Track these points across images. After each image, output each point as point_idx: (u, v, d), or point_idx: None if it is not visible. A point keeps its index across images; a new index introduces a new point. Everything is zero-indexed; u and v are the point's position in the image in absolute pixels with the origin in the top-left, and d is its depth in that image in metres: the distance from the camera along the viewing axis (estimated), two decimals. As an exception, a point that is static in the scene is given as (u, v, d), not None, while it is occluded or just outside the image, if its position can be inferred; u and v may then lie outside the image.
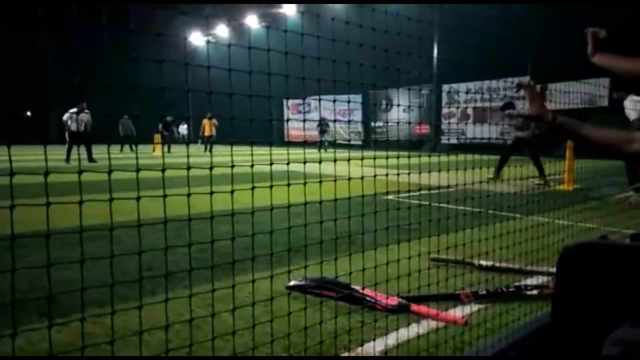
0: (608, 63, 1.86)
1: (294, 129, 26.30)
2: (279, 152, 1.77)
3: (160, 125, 21.60)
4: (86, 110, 13.93)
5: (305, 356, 1.97)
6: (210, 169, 1.44)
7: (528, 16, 16.14)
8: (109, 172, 1.17)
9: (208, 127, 20.51)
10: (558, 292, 1.48)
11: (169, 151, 21.22)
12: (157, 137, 20.49)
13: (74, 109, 13.78)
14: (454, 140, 22.68)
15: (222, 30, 32.14)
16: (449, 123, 22.63)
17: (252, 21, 27.83)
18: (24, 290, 2.74)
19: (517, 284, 2.95)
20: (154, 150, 20.21)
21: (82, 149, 14.22)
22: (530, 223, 3.12)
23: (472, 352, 1.99)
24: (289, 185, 1.59)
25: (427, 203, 2.53)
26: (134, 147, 20.20)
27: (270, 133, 24.02)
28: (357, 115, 23.98)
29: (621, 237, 3.85)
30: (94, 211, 1.25)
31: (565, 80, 8.73)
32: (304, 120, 1.77)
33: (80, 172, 1.13)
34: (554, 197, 6.43)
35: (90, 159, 13.73)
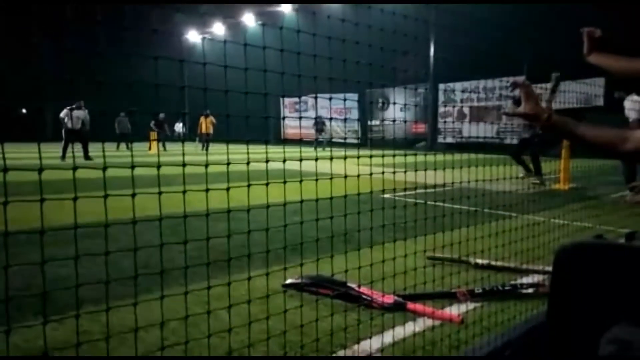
0: (604, 62, 1.87)
1: (291, 127, 26.29)
2: (276, 151, 1.77)
3: (152, 122, 21.45)
4: (83, 108, 13.86)
5: (301, 356, 1.97)
6: (206, 166, 1.43)
7: (524, 16, 16.18)
8: (104, 169, 1.17)
9: (205, 124, 20.43)
10: (554, 291, 1.49)
11: (164, 149, 21.15)
12: (153, 135, 20.41)
13: (71, 106, 13.71)
14: (450, 139, 22.73)
15: (218, 29, 32.05)
16: (445, 122, 22.69)
17: (248, 19, 27.78)
18: (19, 288, 2.73)
19: (512, 282, 2.96)
20: (149, 149, 20.13)
21: (79, 146, 14.15)
22: (526, 222, 3.13)
23: (468, 350, 2.00)
24: (284, 182, 1.59)
25: (423, 201, 2.53)
26: (129, 144, 20.12)
27: (267, 132, 24.00)
28: (354, 114, 23.99)
29: (616, 236, 3.87)
30: (90, 209, 1.24)
31: (560, 80, 8.75)
32: (300, 117, 1.77)
33: (74, 168, 1.12)
34: (549, 196, 6.45)
35: (87, 156, 13.67)
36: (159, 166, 1.28)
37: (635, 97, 6.88)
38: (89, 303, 2.42)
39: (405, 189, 2.91)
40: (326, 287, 2.59)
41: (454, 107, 22.07)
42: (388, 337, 2.13)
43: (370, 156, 1.95)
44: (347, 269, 1.85)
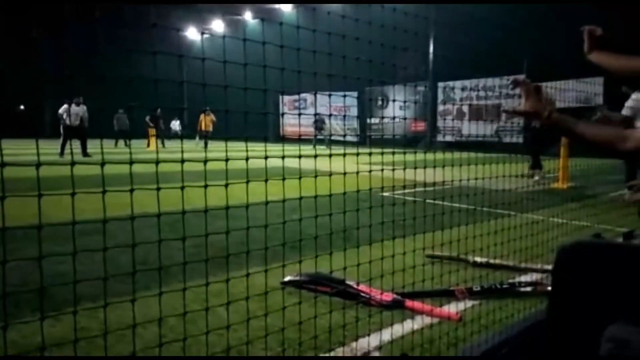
0: (604, 61, 1.86)
1: (290, 125, 26.30)
2: (275, 148, 1.76)
3: (147, 117, 21.34)
4: (82, 104, 13.81)
5: (299, 356, 1.97)
6: (205, 162, 1.43)
7: (524, 14, 16.17)
8: (102, 165, 1.16)
9: (205, 122, 20.37)
10: (554, 289, 1.49)
11: (163, 146, 21.12)
12: (152, 132, 20.36)
13: (70, 102, 13.66)
14: (449, 138, 22.73)
15: (218, 25, 31.98)
16: (444, 120, 22.68)
17: (248, 17, 27.73)
18: (17, 284, 2.73)
19: (511, 280, 2.97)
20: (148, 145, 20.09)
21: (77, 143, 14.12)
22: (525, 220, 3.13)
23: (466, 348, 2.00)
24: (283, 179, 1.58)
25: (422, 199, 2.53)
26: (128, 141, 20.08)
27: (266, 130, 23.95)
28: (353, 112, 23.97)
29: (615, 235, 3.87)
30: (88, 205, 1.23)
31: (560, 78, 8.76)
32: (299, 114, 1.76)
33: (72, 163, 1.12)
34: (548, 194, 6.45)
35: (85, 153, 13.64)
36: (157, 162, 1.28)
37: (638, 95, 6.84)
38: (86, 299, 2.41)
39: (404, 187, 2.90)
40: (325, 284, 2.59)
41: (453, 105, 22.06)
42: (386, 335, 2.13)
43: (370, 154, 1.95)
44: (346, 266, 1.84)
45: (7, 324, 1.05)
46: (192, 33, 33.12)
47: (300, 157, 1.64)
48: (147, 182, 1.20)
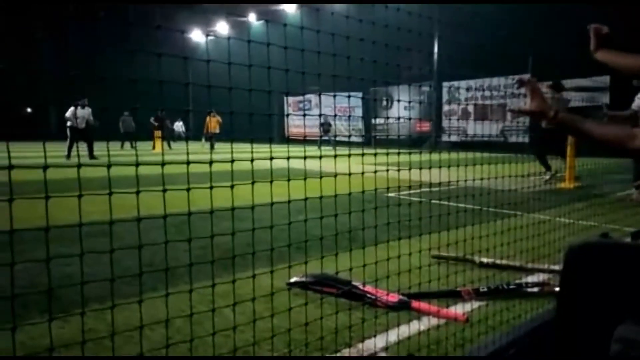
0: (610, 59, 1.85)
1: (295, 126, 26.33)
2: (280, 149, 1.76)
3: (152, 118, 21.43)
4: (87, 106, 13.85)
5: (304, 356, 1.97)
6: (210, 164, 1.43)
7: (528, 13, 16.10)
8: (108, 166, 1.17)
9: (211, 123, 20.40)
10: (562, 290, 1.48)
11: (169, 147, 21.20)
12: (157, 133, 20.44)
13: (76, 104, 13.70)
14: (454, 138, 22.65)
15: (222, 28, 32.09)
16: (449, 120, 22.61)
17: (252, 18, 27.81)
18: (25, 286, 2.74)
19: (518, 281, 2.95)
20: (153, 147, 20.17)
21: (84, 146, 14.18)
22: (531, 220, 3.11)
23: (472, 349, 1.99)
24: (289, 180, 1.58)
25: (428, 200, 2.52)
26: (133, 143, 20.17)
27: (271, 131, 24.00)
28: (358, 113, 23.94)
29: (622, 234, 3.85)
30: (95, 208, 1.24)
31: (566, 77, 8.72)
32: (304, 115, 1.77)
33: (79, 165, 1.13)
34: (555, 194, 6.42)
35: (91, 155, 13.70)
36: (163, 164, 1.28)
37: None
38: (94, 301, 2.43)
39: (409, 188, 2.90)
40: (331, 285, 2.59)
41: (458, 105, 21.99)
42: (393, 336, 2.13)
43: (375, 154, 1.94)
44: (352, 267, 1.84)
45: (16, 326, 1.06)
46: (196, 35, 33.25)
47: (305, 157, 1.64)
48: (153, 184, 1.21)
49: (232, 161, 1.44)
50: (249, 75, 1.52)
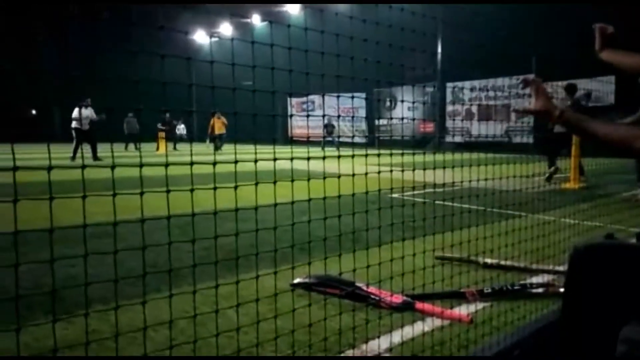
0: (616, 59, 1.84)
1: (298, 127, 26.34)
2: (283, 150, 1.76)
3: (159, 124, 21.57)
4: (89, 107, 13.83)
5: (308, 356, 1.97)
6: (214, 165, 1.43)
7: (529, 13, 16.05)
8: (112, 167, 1.17)
9: (217, 125, 20.40)
10: (567, 291, 1.47)
11: (174, 149, 21.26)
12: (162, 134, 20.50)
13: (80, 105, 13.71)
14: (458, 139, 22.60)
15: (226, 29, 32.16)
16: (453, 121, 22.56)
17: (256, 20, 27.87)
18: (29, 288, 2.75)
19: (522, 282, 2.94)
20: (157, 149, 20.22)
21: (88, 147, 14.19)
22: (536, 221, 3.10)
23: (477, 350, 1.98)
24: (292, 181, 1.58)
25: (432, 201, 2.51)
26: (138, 145, 20.22)
27: (275, 132, 24.02)
28: (361, 113, 23.93)
29: (627, 235, 3.82)
30: (100, 209, 1.24)
31: (570, 77, 8.69)
32: (307, 116, 1.77)
33: (83, 166, 1.13)
34: (559, 195, 6.39)
35: (95, 157, 13.74)
36: (166, 165, 1.28)
37: None
38: (98, 302, 2.43)
39: (413, 188, 2.89)
40: (334, 286, 2.59)
41: (462, 105, 21.94)
42: (397, 337, 2.12)
43: (378, 155, 1.94)
44: (355, 268, 1.84)
45: (20, 327, 1.06)
46: (200, 36, 33.33)
47: (308, 158, 1.64)
48: (157, 185, 1.21)
49: (236, 162, 1.44)
50: (252, 76, 1.52)
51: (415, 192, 5.91)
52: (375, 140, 19.99)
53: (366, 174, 1.85)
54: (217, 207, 1.40)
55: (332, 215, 1.73)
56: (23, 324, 2.05)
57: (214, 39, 26.81)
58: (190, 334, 1.99)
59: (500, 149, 8.38)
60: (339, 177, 1.74)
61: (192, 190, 1.32)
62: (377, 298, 2.48)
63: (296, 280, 2.67)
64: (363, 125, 26.08)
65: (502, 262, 3.10)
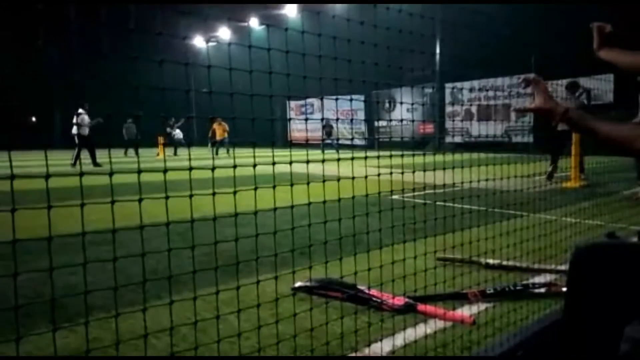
0: (614, 58, 1.83)
1: (298, 130, 26.35)
2: (283, 154, 1.75)
3: (168, 129, 21.71)
4: (84, 111, 13.76)
5: (311, 356, 1.96)
6: (212, 170, 1.43)
7: (530, 12, 16.07)
8: (110, 174, 1.17)
9: (219, 130, 20.39)
10: (570, 291, 1.46)
11: (175, 154, 21.28)
12: (161, 140, 20.51)
13: (78, 112, 13.69)
14: (458, 139, 22.61)
15: (224, 33, 32.21)
16: (453, 121, 22.57)
17: (253, 23, 27.91)
18: (30, 296, 2.74)
19: (524, 282, 2.93)
20: (158, 154, 20.24)
21: (86, 153, 14.16)
22: (537, 221, 3.09)
23: (480, 351, 1.97)
24: (292, 185, 1.58)
25: (432, 202, 2.51)
26: (136, 150, 20.25)
27: (274, 135, 24.03)
28: (360, 116, 23.94)
29: (629, 233, 3.82)
30: (99, 216, 1.24)
31: (569, 76, 8.69)
32: (306, 120, 1.76)
33: (81, 174, 1.12)
34: (560, 194, 6.38)
35: (95, 163, 13.72)
36: (165, 171, 1.28)
37: None
38: (99, 310, 2.43)
39: (413, 190, 2.88)
40: (336, 289, 2.58)
41: (462, 105, 21.95)
42: (399, 340, 2.11)
43: (378, 157, 1.93)
44: (357, 271, 1.83)
45: (20, 336, 1.05)
46: (198, 41, 33.37)
47: (308, 162, 1.64)
48: (157, 191, 1.20)
49: (235, 167, 1.43)
50: (250, 80, 1.52)
51: (416, 193, 5.90)
52: (375, 142, 19.99)
53: (366, 176, 1.84)
54: (216, 212, 1.40)
55: (333, 218, 1.72)
56: (24, 333, 2.04)
57: (211, 44, 26.84)
58: (192, 341, 1.98)
59: (500, 148, 8.38)
60: (338, 180, 1.73)
61: (191, 196, 1.32)
62: (379, 301, 2.48)
63: (297, 284, 2.67)
64: (362, 127, 26.10)
65: (504, 263, 3.09)
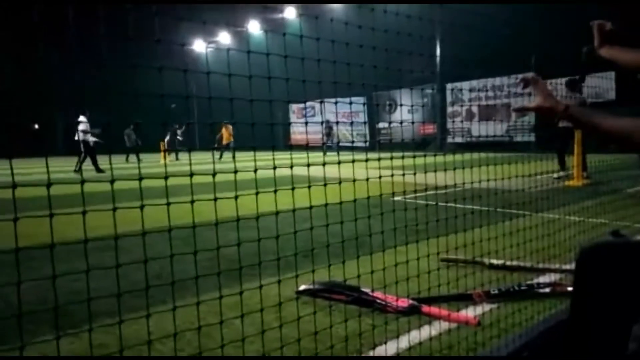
0: (615, 56, 1.83)
1: (299, 133, 26.37)
2: (284, 157, 1.76)
3: (178, 133, 21.89)
4: (84, 119, 13.80)
5: (315, 356, 1.95)
6: (214, 175, 1.43)
7: (530, 11, 16.06)
8: (112, 182, 1.17)
9: (225, 134, 20.42)
10: (576, 291, 1.46)
11: (176, 159, 21.36)
12: (163, 145, 20.59)
13: (80, 119, 13.73)
14: (459, 139, 22.59)
15: (224, 38, 32.29)
16: (454, 122, 22.56)
17: (252, 27, 27.98)
18: (35, 303, 2.75)
19: (529, 282, 2.92)
20: (161, 161, 20.30)
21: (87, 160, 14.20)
22: (540, 220, 3.09)
23: (485, 353, 1.97)
24: (293, 189, 1.58)
25: (434, 203, 2.50)
26: (138, 156, 20.31)
27: (276, 138, 24.06)
28: (361, 117, 23.95)
29: (633, 231, 3.80)
30: (103, 222, 1.24)
31: (570, 74, 8.66)
32: (306, 123, 1.77)
33: (82, 182, 1.13)
34: (563, 193, 6.36)
35: (97, 169, 13.76)
36: (166, 177, 1.28)
37: None
38: (105, 315, 2.42)
39: (415, 191, 2.88)
40: (339, 292, 2.58)
41: (462, 106, 21.94)
42: (404, 342, 2.10)
43: (379, 159, 1.93)
44: (360, 273, 1.83)
45: (24, 344, 1.05)
46: (198, 46, 33.45)
47: (308, 165, 1.64)
48: (160, 196, 1.21)
49: (236, 172, 1.43)
50: (250, 85, 1.52)
51: (418, 194, 5.89)
52: (376, 144, 19.97)
53: (367, 179, 1.84)
54: (219, 217, 1.40)
55: (335, 221, 1.72)
56: (29, 340, 2.05)
57: (210, 50, 26.91)
58: (196, 345, 1.98)
59: (501, 148, 8.35)
60: (339, 182, 1.73)
61: (192, 202, 1.32)
62: (383, 303, 2.47)
63: (301, 288, 2.66)
64: (363, 129, 26.09)
65: (508, 263, 3.09)
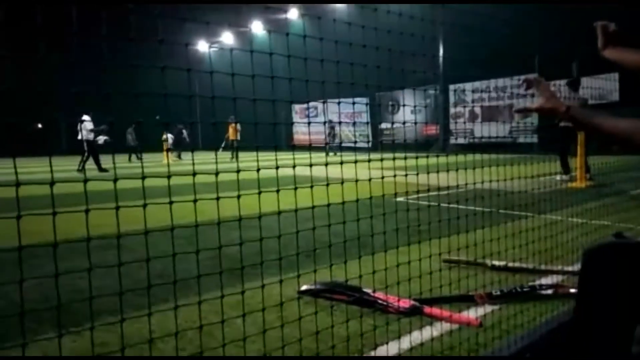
0: (619, 57, 1.82)
1: (302, 133, 26.38)
2: (287, 157, 1.76)
3: (183, 133, 21.98)
4: (88, 118, 13.82)
5: (316, 356, 1.95)
6: (216, 174, 1.43)
7: (533, 12, 16.03)
8: (115, 181, 1.17)
9: (231, 131, 20.44)
10: (580, 293, 1.45)
11: (179, 158, 21.41)
12: (165, 145, 20.64)
13: (83, 118, 13.75)
14: (462, 140, 22.55)
15: (227, 38, 32.33)
16: (456, 123, 22.51)
17: (256, 27, 28.02)
18: (37, 301, 2.76)
19: (531, 283, 2.91)
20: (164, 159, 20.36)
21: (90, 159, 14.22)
22: (543, 222, 3.08)
23: (487, 354, 1.96)
24: (295, 189, 1.58)
25: (437, 204, 2.50)
26: (139, 155, 20.35)
27: (279, 138, 24.07)
28: (364, 118, 23.93)
29: (636, 233, 3.79)
30: (107, 220, 1.24)
31: (573, 75, 8.65)
32: (309, 123, 1.77)
33: (85, 181, 1.13)
34: (566, 194, 6.34)
35: (100, 168, 13.79)
36: (169, 177, 1.29)
37: None
38: (107, 313, 2.43)
39: (418, 192, 2.89)
40: (341, 292, 2.57)
41: (464, 107, 21.90)
42: (405, 343, 2.10)
43: (382, 159, 1.93)
44: (362, 274, 1.83)
45: (26, 342, 1.06)
46: (202, 46, 33.49)
47: (311, 165, 1.64)
48: (163, 195, 1.21)
49: (238, 171, 1.44)
50: (256, 85, 1.53)
51: (420, 195, 5.88)
52: (379, 144, 19.94)
53: (370, 179, 1.84)
54: (221, 216, 1.40)
55: (337, 221, 1.72)
56: (32, 338, 2.05)
57: (213, 50, 26.96)
58: (198, 344, 1.98)
59: (504, 149, 8.34)
60: (342, 182, 1.73)
61: (195, 201, 1.32)
62: (384, 303, 2.47)
63: (303, 288, 2.66)
64: (366, 129, 26.06)
65: (510, 264, 3.08)
